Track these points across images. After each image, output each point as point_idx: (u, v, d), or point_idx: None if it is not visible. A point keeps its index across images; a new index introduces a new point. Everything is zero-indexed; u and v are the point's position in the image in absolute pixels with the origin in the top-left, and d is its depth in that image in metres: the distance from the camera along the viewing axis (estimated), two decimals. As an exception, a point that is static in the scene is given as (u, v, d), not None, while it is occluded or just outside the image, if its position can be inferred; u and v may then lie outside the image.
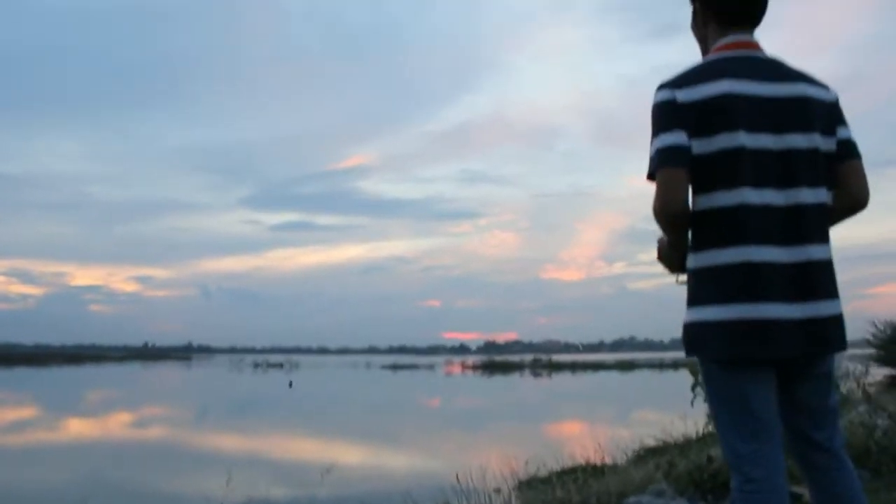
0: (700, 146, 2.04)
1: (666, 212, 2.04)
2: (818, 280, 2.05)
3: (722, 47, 2.19)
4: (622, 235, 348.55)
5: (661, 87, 2.13)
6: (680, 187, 2.02)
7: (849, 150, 2.17)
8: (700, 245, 2.09)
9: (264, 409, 27.01)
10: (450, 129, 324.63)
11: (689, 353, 2.13)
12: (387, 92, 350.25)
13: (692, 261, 2.12)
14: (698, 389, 5.86)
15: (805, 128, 2.09)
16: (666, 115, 2.08)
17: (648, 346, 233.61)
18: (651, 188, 2.09)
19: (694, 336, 2.09)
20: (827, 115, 2.15)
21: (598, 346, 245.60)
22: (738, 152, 2.02)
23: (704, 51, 2.30)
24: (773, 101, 2.08)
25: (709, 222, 2.07)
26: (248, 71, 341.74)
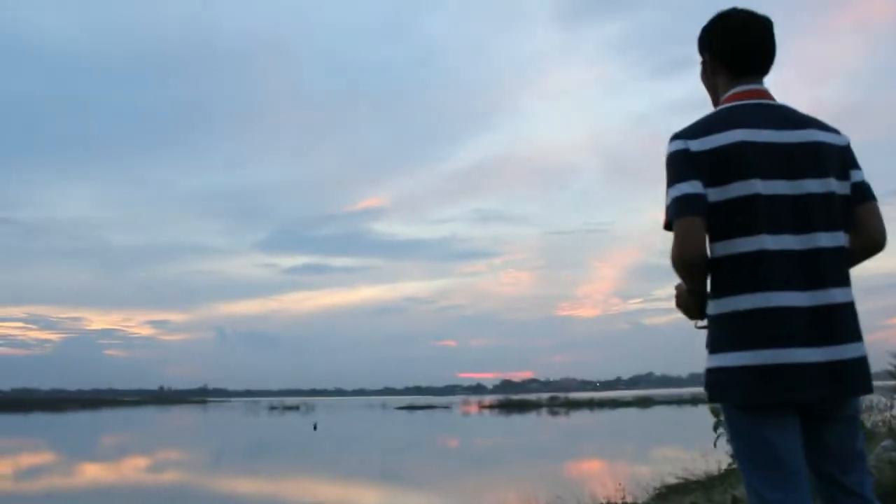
0: (716, 194, 2.06)
1: (684, 260, 2.06)
2: (840, 323, 2.05)
3: (733, 97, 2.23)
4: (636, 271, 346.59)
5: (675, 137, 2.16)
6: (697, 235, 2.04)
7: (864, 193, 2.19)
8: (720, 292, 2.10)
9: (284, 453, 26.86)
10: (462, 169, 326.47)
11: (712, 399, 2.14)
12: (399, 134, 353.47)
13: (712, 307, 2.13)
14: (721, 430, 5.74)
15: (819, 173, 2.11)
16: (681, 164, 2.10)
17: (666, 381, 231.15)
18: (668, 235, 2.10)
19: (716, 382, 2.09)
20: (840, 159, 2.17)
21: (616, 383, 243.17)
22: (754, 199, 2.05)
23: (715, 100, 2.33)
24: (786, 148, 2.10)
25: (728, 269, 2.08)
26: (260, 115, 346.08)
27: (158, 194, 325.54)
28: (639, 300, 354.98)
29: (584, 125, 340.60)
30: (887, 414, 10.39)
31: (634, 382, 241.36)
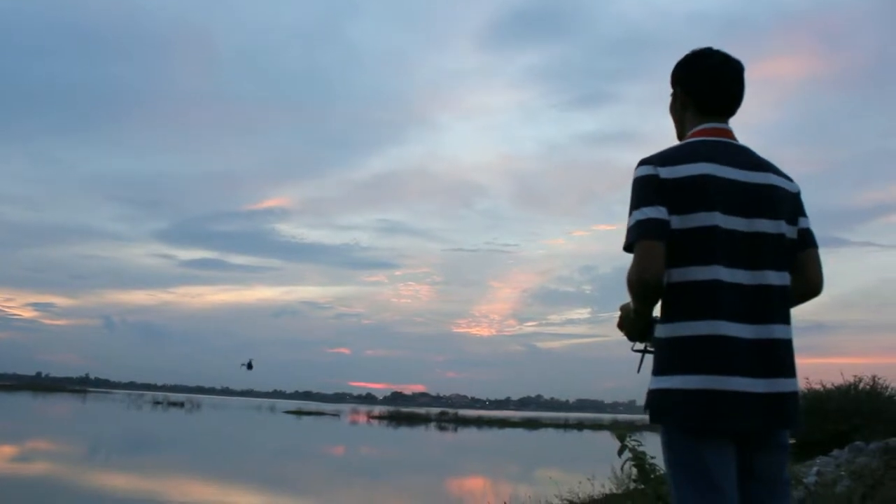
0: (678, 222, 2.14)
1: (642, 282, 2.12)
2: (781, 358, 2.15)
3: (700, 132, 2.33)
4: (534, 295, 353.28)
5: (644, 162, 2.23)
6: (658, 260, 2.11)
7: (808, 240, 2.33)
8: (672, 316, 2.16)
9: (162, 450, 25.93)
10: (372, 179, 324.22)
11: (654, 419, 2.18)
12: (313, 139, 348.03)
13: (662, 331, 2.19)
14: (626, 455, 5.75)
15: (773, 215, 2.22)
16: (648, 189, 2.18)
17: (554, 405, 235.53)
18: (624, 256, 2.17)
19: (661, 403, 2.15)
20: (791, 204, 2.30)
21: (505, 403, 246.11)
22: (713, 231, 2.14)
23: (680, 132, 2.43)
24: (745, 187, 2.21)
25: (682, 295, 2.14)
26: (174, 106, 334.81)
27: (59, 174, 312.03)
28: (534, 323, 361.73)
29: (497, 147, 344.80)
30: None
31: (523, 404, 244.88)
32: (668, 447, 2.17)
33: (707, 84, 2.36)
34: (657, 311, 2.26)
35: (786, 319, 2.21)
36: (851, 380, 15.98)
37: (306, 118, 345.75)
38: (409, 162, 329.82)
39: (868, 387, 15.68)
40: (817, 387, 16.30)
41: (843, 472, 7.15)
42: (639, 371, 2.38)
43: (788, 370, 2.17)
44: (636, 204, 2.19)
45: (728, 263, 2.14)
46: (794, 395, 2.17)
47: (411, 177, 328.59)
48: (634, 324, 2.31)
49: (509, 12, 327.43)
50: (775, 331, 2.16)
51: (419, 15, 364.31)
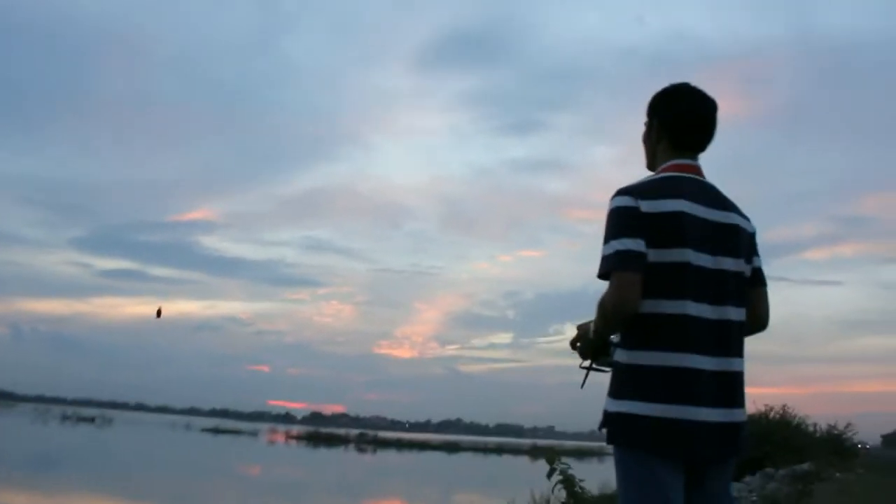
0: (654, 256, 2.21)
1: (618, 311, 2.19)
2: (735, 389, 2.28)
3: (672, 167, 2.40)
4: (458, 318, 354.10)
5: (624, 192, 2.29)
6: (635, 291, 2.18)
7: (759, 279, 2.47)
8: (638, 344, 2.23)
9: (68, 467, 24.88)
10: (300, 195, 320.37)
11: (612, 441, 2.24)
12: (241, 151, 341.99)
13: (626, 356, 2.25)
14: (555, 478, 5.77)
15: (735, 253, 2.34)
16: (628, 220, 2.24)
17: (474, 429, 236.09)
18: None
19: (621, 426, 2.21)
20: (748, 244, 2.42)
21: (425, 426, 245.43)
22: (685, 267, 2.23)
23: (651, 163, 2.51)
24: (713, 226, 2.31)
25: (651, 326, 2.21)
26: (97, 109, 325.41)
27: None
28: (456, 346, 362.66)
29: (426, 169, 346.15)
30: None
31: (443, 427, 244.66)
32: (621, 465, 2.26)
33: (682, 120, 2.44)
34: (614, 336, 2.34)
35: (741, 352, 2.33)
36: (763, 409, 16.44)
37: (236, 130, 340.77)
38: (338, 180, 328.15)
39: (778, 415, 16.15)
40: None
41: (755, 498, 7.26)
42: (582, 387, 2.45)
43: (741, 401, 2.31)
44: (615, 234, 2.24)
45: (695, 298, 2.23)
46: (744, 425, 2.31)
47: (340, 195, 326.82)
48: (592, 344, 2.39)
49: (445, 36, 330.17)
50: (734, 363, 2.28)
51: (355, 33, 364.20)
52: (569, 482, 5.82)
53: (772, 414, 16.26)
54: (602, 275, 2.25)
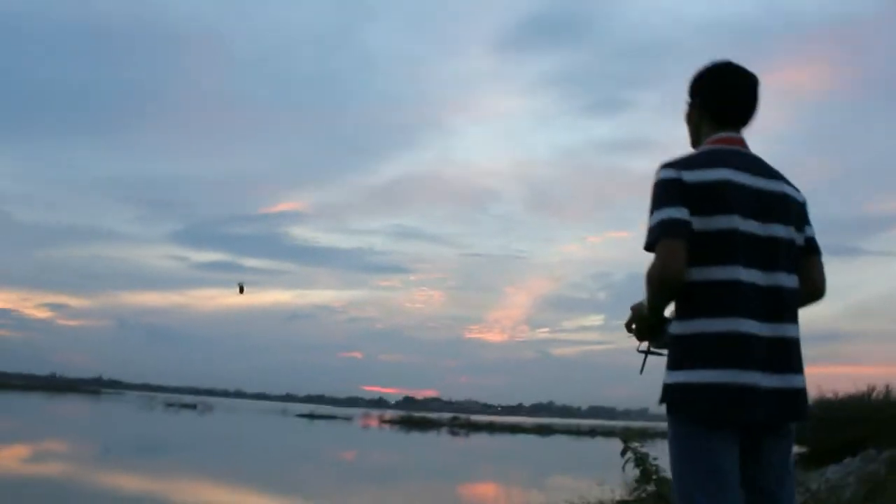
0: (700, 224, 2.26)
1: (664, 278, 2.24)
2: (790, 355, 2.30)
3: (716, 140, 2.46)
4: (548, 301, 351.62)
5: (667, 165, 2.36)
6: (680, 258, 2.21)
7: (813, 247, 2.50)
8: (691, 313, 2.27)
9: (175, 452, 26.02)
10: (387, 183, 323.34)
11: (671, 411, 2.28)
12: (327, 143, 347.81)
13: (681, 327, 2.29)
14: (629, 455, 5.87)
15: (785, 221, 2.37)
16: (671, 191, 2.29)
17: (566, 412, 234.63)
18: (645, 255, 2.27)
19: (678, 395, 2.25)
20: (799, 213, 2.45)
21: (517, 409, 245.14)
22: (733, 234, 2.26)
23: (695, 141, 2.57)
24: (761, 194, 2.35)
25: (702, 293, 2.25)
26: (189, 108, 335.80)
27: (74, 175, 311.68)
28: (547, 330, 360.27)
29: (511, 153, 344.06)
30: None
31: (535, 410, 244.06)
32: (677, 438, 2.29)
33: (724, 96, 2.51)
34: (668, 312, 2.36)
35: (795, 319, 2.35)
36: (865, 388, 15.90)
37: (320, 122, 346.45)
38: (423, 167, 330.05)
39: (881, 396, 15.59)
40: (830, 395, 16.22)
41: (850, 480, 7.13)
42: (641, 372, 2.48)
43: (798, 367, 2.32)
44: (658, 204, 2.30)
45: (746, 264, 2.26)
46: (803, 391, 2.32)
47: (425, 181, 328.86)
48: (646, 322, 2.42)
49: (524, 18, 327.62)
50: (787, 329, 2.30)
51: (433, 20, 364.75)
52: (641, 461, 5.93)
53: (874, 394, 15.70)
54: (647, 246, 2.29)
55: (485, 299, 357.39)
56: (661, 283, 2.25)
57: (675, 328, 2.31)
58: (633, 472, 6.20)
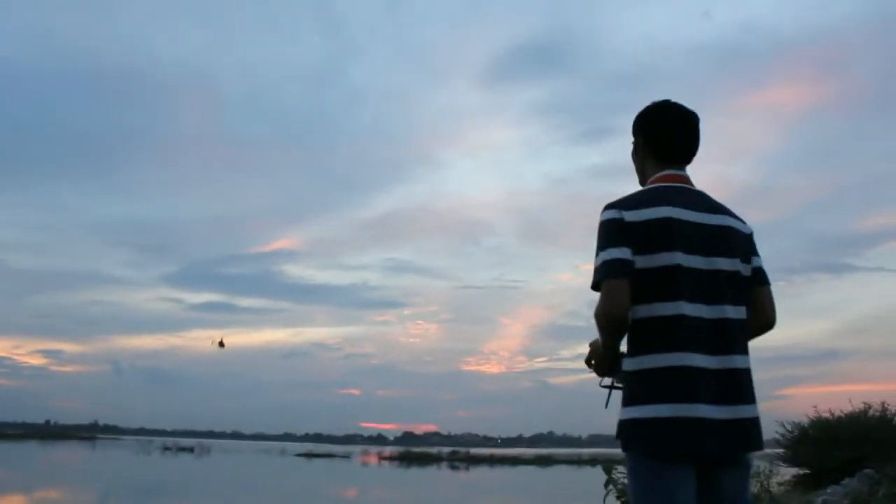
0: (643, 262, 2.30)
1: (609, 317, 2.27)
2: (740, 386, 2.31)
3: (659, 178, 2.52)
4: (544, 330, 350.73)
5: (610, 207, 2.41)
6: (623, 296, 2.26)
7: (761, 277, 2.52)
8: (639, 349, 2.31)
9: (172, 496, 25.76)
10: (378, 218, 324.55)
11: (625, 448, 2.31)
12: (318, 179, 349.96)
13: (630, 364, 2.33)
14: (611, 487, 5.85)
15: (729, 254, 2.40)
16: (613, 232, 2.34)
17: (567, 441, 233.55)
18: (591, 295, 2.34)
19: (630, 431, 2.28)
20: (745, 245, 2.48)
21: (517, 441, 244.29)
22: (676, 269, 2.30)
23: (642, 179, 2.63)
24: (703, 228, 2.39)
25: (648, 329, 2.30)
26: (179, 150, 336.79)
27: (65, 220, 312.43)
28: (544, 359, 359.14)
29: (501, 184, 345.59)
30: (770, 480, 10.67)
31: (535, 441, 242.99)
32: (633, 474, 2.31)
33: (665, 135, 2.57)
34: (624, 347, 2.39)
35: (744, 350, 2.37)
36: (861, 407, 15.86)
37: (311, 159, 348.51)
38: (414, 200, 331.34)
39: (877, 414, 15.55)
40: (826, 415, 16.19)
41: (845, 502, 7.11)
42: (606, 406, 2.50)
43: (748, 397, 2.33)
44: (602, 245, 2.35)
45: (690, 299, 2.30)
46: (754, 421, 2.33)
47: (417, 215, 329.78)
48: (603, 359, 2.47)
49: (509, 49, 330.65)
50: (735, 361, 2.32)
51: (420, 54, 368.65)
52: (622, 492, 5.90)
53: (870, 412, 15.66)
54: (594, 286, 2.34)
55: (480, 331, 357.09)
56: (607, 322, 2.29)
57: (627, 364, 2.35)
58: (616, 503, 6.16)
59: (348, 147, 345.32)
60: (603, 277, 2.29)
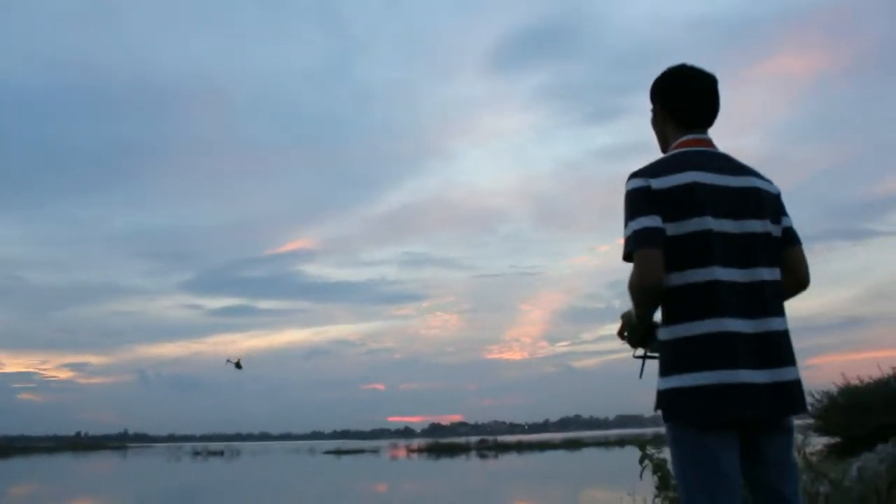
0: (673, 229, 2.28)
1: (644, 288, 2.26)
2: (779, 348, 2.30)
3: (682, 143, 2.48)
4: (564, 315, 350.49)
5: (635, 175, 2.38)
6: (657, 265, 2.24)
7: (792, 237, 2.50)
8: (675, 318, 2.29)
9: (205, 499, 25.96)
10: (392, 212, 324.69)
11: (667, 418, 2.30)
12: (330, 178, 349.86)
13: (666, 333, 2.31)
14: (646, 462, 5.86)
15: (759, 215, 2.38)
16: (641, 200, 2.31)
17: (594, 423, 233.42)
18: (622, 266, 2.32)
19: (671, 401, 2.27)
20: (773, 205, 2.47)
21: (544, 426, 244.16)
22: (707, 235, 2.28)
23: (663, 146, 2.59)
24: (731, 191, 2.36)
25: (683, 297, 2.27)
26: (190, 157, 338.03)
27: (83, 234, 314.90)
28: (566, 343, 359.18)
29: (513, 170, 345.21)
30: (803, 450, 10.61)
31: (563, 425, 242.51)
32: (676, 444, 2.31)
33: (682, 99, 2.53)
34: (657, 318, 2.38)
35: (780, 312, 2.35)
36: (890, 372, 15.75)
37: (322, 158, 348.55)
38: (427, 193, 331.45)
39: (909, 378, 15.44)
40: (855, 382, 16.10)
41: (882, 468, 7.06)
42: (640, 376, 2.50)
43: (788, 359, 2.32)
44: (631, 215, 2.33)
45: (723, 263, 2.27)
46: (796, 383, 2.32)
47: (431, 207, 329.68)
48: (636, 330, 2.45)
49: (513, 36, 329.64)
50: (772, 323, 2.30)
51: (423, 45, 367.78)
52: (659, 467, 5.91)
53: (901, 377, 15.55)
54: (625, 257, 2.32)
55: (501, 319, 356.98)
56: (641, 292, 2.27)
57: (662, 334, 2.33)
58: (653, 479, 6.15)
59: (359, 144, 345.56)
60: (635, 247, 2.26)
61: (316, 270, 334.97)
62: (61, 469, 55.25)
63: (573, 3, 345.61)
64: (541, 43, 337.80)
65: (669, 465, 5.74)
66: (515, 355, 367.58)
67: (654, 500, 7.88)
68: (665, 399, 2.29)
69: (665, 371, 2.30)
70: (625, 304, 2.41)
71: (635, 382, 2.46)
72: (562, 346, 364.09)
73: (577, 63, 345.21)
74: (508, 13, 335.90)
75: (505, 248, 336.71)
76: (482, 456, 59.61)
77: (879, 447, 11.01)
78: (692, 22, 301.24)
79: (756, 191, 2.41)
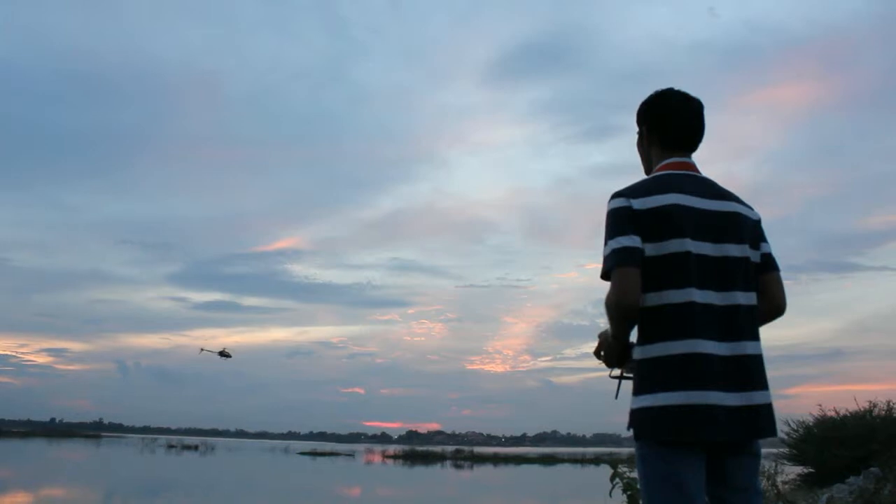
0: (652, 249, 2.30)
1: (620, 305, 2.26)
2: (751, 372, 2.30)
3: (665, 166, 2.51)
4: (548, 329, 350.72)
5: (617, 195, 2.40)
6: (634, 284, 2.25)
7: (770, 263, 2.51)
8: (649, 338, 2.30)
9: (175, 494, 25.78)
10: (382, 216, 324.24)
11: (637, 437, 2.31)
12: (322, 178, 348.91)
13: (640, 352, 2.32)
14: (616, 481, 5.86)
15: (738, 240, 2.40)
16: (622, 220, 2.33)
17: (571, 440, 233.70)
18: (602, 285, 2.32)
19: (641, 420, 2.28)
20: (753, 231, 2.47)
21: (521, 440, 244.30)
22: (686, 256, 2.29)
23: (647, 168, 2.62)
24: (711, 215, 2.38)
25: (659, 318, 2.29)
26: (183, 150, 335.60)
27: (70, 219, 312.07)
28: (549, 358, 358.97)
29: (506, 182, 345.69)
30: (776, 479, 10.67)
31: (540, 440, 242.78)
32: (643, 462, 2.31)
33: (668, 122, 2.56)
34: (633, 337, 2.37)
35: (755, 336, 2.36)
36: (866, 406, 15.85)
37: (315, 158, 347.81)
38: (418, 199, 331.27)
39: (883, 413, 15.53)
40: (831, 414, 16.18)
41: (850, 499, 7.10)
42: (616, 397, 2.50)
43: (760, 383, 2.32)
44: (611, 234, 2.34)
45: (700, 286, 2.28)
46: (766, 407, 2.32)
47: (421, 214, 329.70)
48: (612, 349, 2.44)
49: (513, 48, 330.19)
50: (746, 347, 2.31)
51: (423, 53, 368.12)
52: (630, 487, 5.92)
53: (875, 411, 15.64)
54: (603, 275, 2.33)
55: (485, 330, 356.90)
56: (617, 311, 2.28)
57: (637, 353, 2.34)
58: (622, 498, 6.16)
59: (352, 146, 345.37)
60: (613, 266, 2.28)
61: (302, 270, 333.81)
62: (34, 455, 54.78)
63: (575, 19, 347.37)
64: (540, 57, 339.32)
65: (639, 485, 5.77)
66: (497, 367, 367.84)
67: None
68: (636, 418, 2.30)
69: (637, 390, 2.32)
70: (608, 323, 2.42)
71: (614, 402, 2.47)
72: (544, 361, 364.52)
73: (576, 80, 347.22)
74: (510, 26, 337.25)
75: (493, 260, 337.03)
76: (457, 466, 59.53)
77: (851, 479, 11.10)
78: (692, 45, 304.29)
79: (736, 215, 2.43)
